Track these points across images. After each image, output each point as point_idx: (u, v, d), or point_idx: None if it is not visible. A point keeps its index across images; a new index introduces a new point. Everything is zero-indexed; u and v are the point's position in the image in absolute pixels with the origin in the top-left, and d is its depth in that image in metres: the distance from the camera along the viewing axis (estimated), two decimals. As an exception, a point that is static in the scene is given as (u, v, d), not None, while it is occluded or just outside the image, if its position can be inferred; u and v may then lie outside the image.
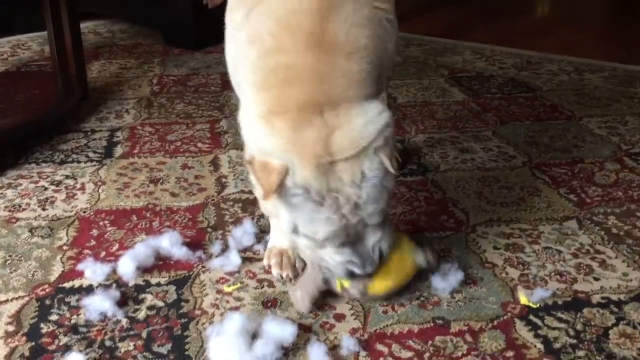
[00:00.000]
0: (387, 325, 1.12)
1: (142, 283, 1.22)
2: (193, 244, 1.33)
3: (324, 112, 1.00)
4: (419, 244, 1.19)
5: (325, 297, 1.17)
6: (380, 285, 1.12)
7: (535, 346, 1.08)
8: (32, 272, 1.24)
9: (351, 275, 1.07)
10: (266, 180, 0.99)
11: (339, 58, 1.02)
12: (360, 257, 1.05)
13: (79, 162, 1.71)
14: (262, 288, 1.21)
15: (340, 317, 1.13)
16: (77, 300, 1.16)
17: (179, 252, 1.29)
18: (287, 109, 1.00)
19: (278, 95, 1.01)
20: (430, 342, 1.08)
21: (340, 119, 1.00)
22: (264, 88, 1.03)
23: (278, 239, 1.27)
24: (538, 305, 1.17)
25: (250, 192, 1.55)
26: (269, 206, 1.13)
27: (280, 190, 0.99)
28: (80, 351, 1.04)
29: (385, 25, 1.12)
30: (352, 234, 1.03)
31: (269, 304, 1.17)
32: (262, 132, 1.01)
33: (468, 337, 1.09)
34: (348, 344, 1.06)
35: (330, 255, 1.06)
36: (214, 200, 1.53)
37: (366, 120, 1.01)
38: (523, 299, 1.19)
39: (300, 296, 1.14)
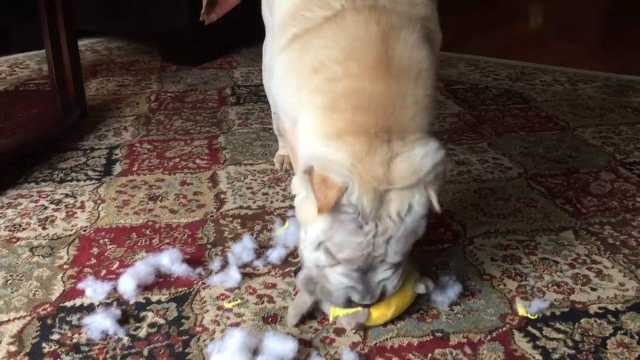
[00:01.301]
0: (387, 339, 1.12)
1: (142, 301, 1.23)
2: (193, 261, 1.34)
3: (392, 139, 1.01)
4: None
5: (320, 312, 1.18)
6: (377, 314, 1.13)
7: (534, 357, 1.09)
8: (33, 292, 1.25)
9: (349, 302, 1.08)
10: (324, 195, 0.98)
11: (407, 84, 1.03)
12: (364, 286, 1.06)
13: (78, 180, 1.72)
14: (262, 304, 1.22)
15: (340, 332, 1.14)
16: (79, 319, 1.17)
17: (179, 269, 1.30)
18: (361, 132, 1.00)
19: (350, 119, 1.01)
20: (430, 355, 1.09)
21: (404, 148, 1.01)
22: (333, 110, 1.03)
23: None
24: (536, 316, 1.19)
25: (249, 207, 1.57)
26: (304, 214, 1.10)
27: (336, 207, 0.99)
28: (83, 370, 1.05)
29: (434, 39, 1.13)
30: (369, 263, 1.04)
31: (270, 320, 1.17)
32: (332, 146, 1.01)
33: (467, 350, 1.10)
34: (348, 358, 1.07)
35: (336, 277, 1.06)
36: (213, 216, 1.54)
37: (425, 152, 1.02)
38: (521, 310, 1.20)
39: (290, 311, 1.16)
